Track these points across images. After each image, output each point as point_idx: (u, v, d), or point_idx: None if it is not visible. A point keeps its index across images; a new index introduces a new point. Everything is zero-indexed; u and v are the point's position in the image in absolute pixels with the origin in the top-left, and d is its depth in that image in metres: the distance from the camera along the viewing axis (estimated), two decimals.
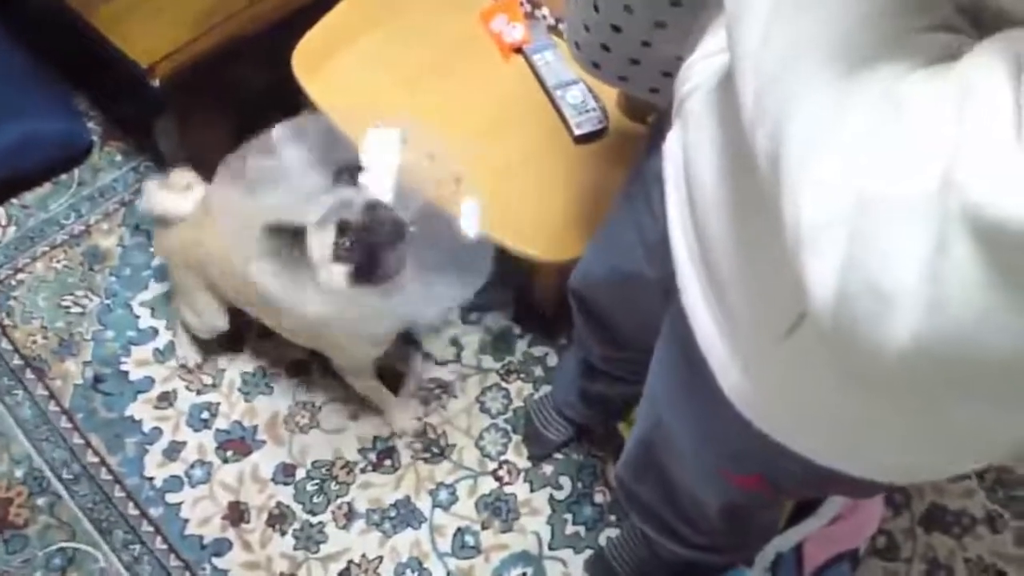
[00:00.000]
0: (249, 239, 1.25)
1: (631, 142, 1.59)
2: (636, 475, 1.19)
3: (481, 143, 1.56)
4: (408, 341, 1.77)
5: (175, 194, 1.56)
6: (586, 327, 1.36)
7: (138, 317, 1.78)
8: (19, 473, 1.61)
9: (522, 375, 1.77)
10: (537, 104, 1.62)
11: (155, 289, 1.80)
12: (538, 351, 1.80)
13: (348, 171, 1.27)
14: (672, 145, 0.83)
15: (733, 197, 0.72)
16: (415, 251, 1.28)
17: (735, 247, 0.73)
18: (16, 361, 1.72)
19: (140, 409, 1.68)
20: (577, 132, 1.57)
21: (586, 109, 1.59)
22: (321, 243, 1.22)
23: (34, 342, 1.74)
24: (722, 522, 1.08)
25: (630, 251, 1.06)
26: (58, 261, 1.84)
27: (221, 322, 1.65)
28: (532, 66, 1.65)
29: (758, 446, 0.80)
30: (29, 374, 1.71)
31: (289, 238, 1.23)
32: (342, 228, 1.21)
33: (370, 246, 1.21)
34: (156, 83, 1.52)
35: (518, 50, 1.67)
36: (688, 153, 0.78)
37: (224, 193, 1.31)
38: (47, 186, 1.93)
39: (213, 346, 1.74)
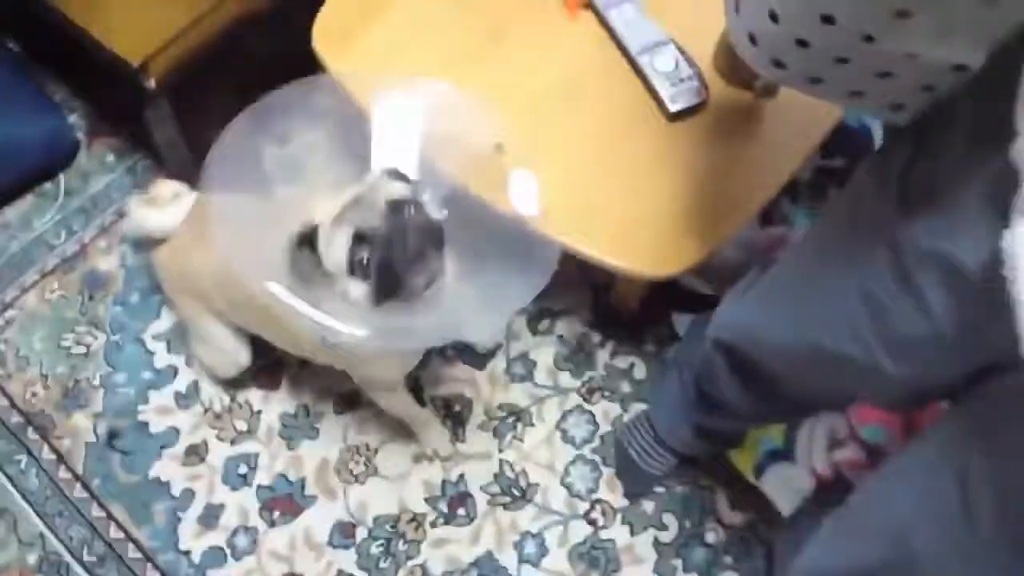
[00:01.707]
0: (257, 247, 1.03)
1: (739, 116, 1.29)
2: None
3: (547, 126, 1.27)
4: (468, 359, 1.51)
5: (162, 207, 1.34)
6: (734, 382, 1.10)
7: (152, 354, 1.51)
8: (32, 559, 1.36)
9: (607, 393, 1.50)
10: (616, 74, 1.31)
11: (169, 318, 1.53)
12: (623, 362, 1.53)
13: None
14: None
15: None
16: (455, 248, 1.04)
17: None
18: (15, 419, 1.46)
19: (166, 468, 1.43)
20: (672, 108, 1.26)
21: (680, 78, 1.28)
22: (335, 250, 0.99)
23: (34, 394, 1.48)
24: None
25: (854, 333, 0.81)
26: (52, 291, 1.56)
27: (243, 356, 1.39)
28: (607, 25, 1.33)
29: None
30: (32, 434, 1.45)
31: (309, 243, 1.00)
32: (358, 238, 0.97)
33: (391, 262, 0.98)
34: (152, 84, 1.22)
35: (587, 5, 1.35)
36: None
37: (221, 193, 1.06)
38: (29, 199, 1.64)
39: (244, 383, 1.48)
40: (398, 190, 1.03)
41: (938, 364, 0.77)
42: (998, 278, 0.58)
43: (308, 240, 1.01)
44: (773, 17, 0.68)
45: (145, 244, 1.44)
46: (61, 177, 1.66)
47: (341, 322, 0.99)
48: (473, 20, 1.34)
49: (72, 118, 1.71)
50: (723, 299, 1.15)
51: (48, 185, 1.65)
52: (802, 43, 0.69)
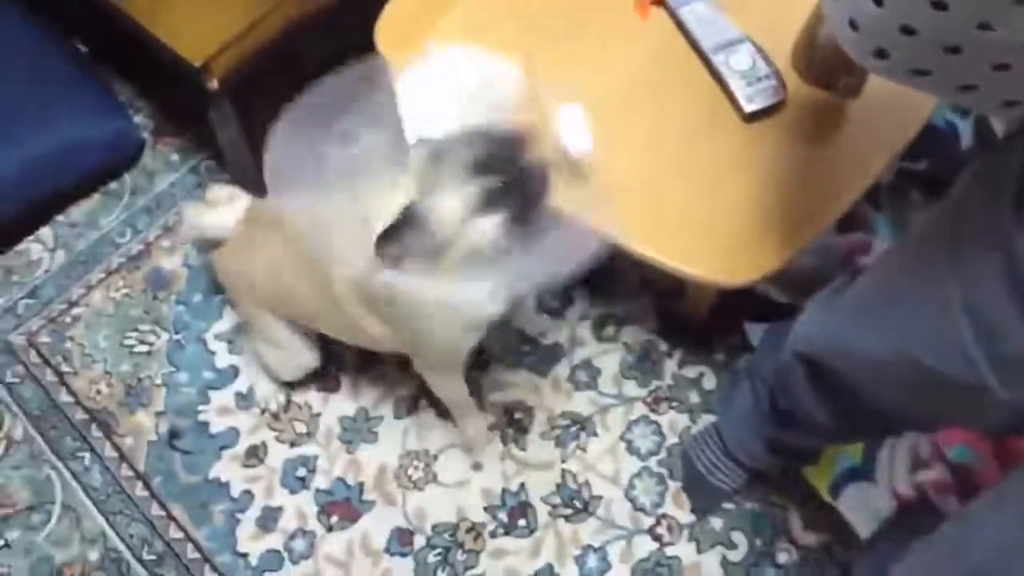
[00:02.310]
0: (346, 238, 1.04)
1: (819, 116, 1.23)
2: None
3: (619, 128, 1.22)
4: (533, 368, 1.47)
5: (218, 210, 1.34)
6: (815, 396, 1.04)
7: (214, 354, 1.51)
8: (94, 556, 1.37)
9: (675, 403, 1.45)
10: (690, 72, 1.26)
11: (231, 318, 1.52)
12: (691, 372, 1.47)
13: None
14: None
15: None
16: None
17: None
18: (80, 416, 1.46)
19: (226, 468, 1.42)
20: (748, 108, 1.21)
21: (757, 77, 1.22)
22: (452, 201, 0.97)
23: (98, 392, 1.48)
24: None
25: (957, 350, 0.75)
26: (117, 289, 1.57)
27: (310, 357, 1.38)
28: (679, 22, 1.28)
29: None
30: (95, 431, 1.45)
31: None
32: (480, 167, 0.96)
33: (521, 172, 0.98)
34: (214, 84, 1.20)
35: (659, 3, 1.30)
36: None
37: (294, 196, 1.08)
38: (95, 197, 1.65)
39: (304, 384, 1.46)
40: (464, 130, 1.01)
41: None
42: None
43: (410, 218, 0.97)
44: (878, 0, 0.63)
45: (206, 246, 1.44)
46: (127, 176, 1.67)
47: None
48: (542, 19, 1.30)
49: (138, 118, 1.71)
50: (806, 307, 1.08)
51: (114, 184, 1.66)
52: (908, 30, 0.62)
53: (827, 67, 1.22)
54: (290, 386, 1.46)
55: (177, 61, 1.20)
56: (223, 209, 1.32)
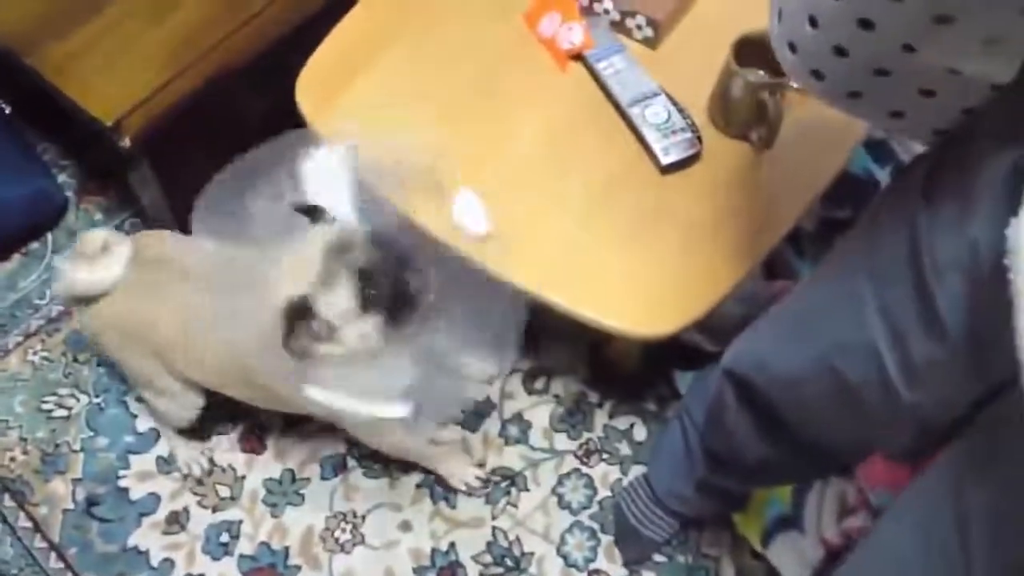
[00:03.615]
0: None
1: (735, 166, 1.25)
2: None
3: (537, 181, 1.23)
4: (463, 423, 1.45)
5: (94, 263, 1.24)
6: (749, 421, 1.04)
7: (135, 416, 1.46)
8: None
9: (605, 455, 1.44)
10: (608, 126, 1.27)
11: None
12: (622, 423, 1.47)
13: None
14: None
15: None
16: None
17: None
18: None
19: (146, 536, 1.37)
20: (664, 160, 1.22)
21: (673, 130, 1.24)
22: (340, 299, 1.01)
23: (12, 460, 1.43)
24: None
25: (869, 353, 0.77)
26: (35, 353, 1.52)
27: (197, 398, 1.33)
28: (597, 76, 1.30)
29: None
30: (8, 501, 1.40)
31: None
32: (363, 274, 1.02)
33: (397, 282, 1.04)
34: (126, 142, 1.19)
35: (577, 57, 1.32)
36: None
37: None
38: (15, 259, 1.61)
39: (228, 448, 1.42)
40: (362, 227, 1.06)
41: (950, 387, 0.73)
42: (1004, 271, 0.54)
43: (302, 310, 1.01)
44: (812, 22, 0.65)
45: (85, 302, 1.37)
46: (49, 236, 1.64)
47: (379, 403, 1.05)
48: (460, 74, 1.31)
49: (62, 177, 1.69)
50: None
51: (36, 244, 1.63)
52: (840, 51, 0.65)
53: (741, 119, 1.25)
54: (214, 451, 1.42)
55: (89, 120, 1.18)
56: (101, 260, 1.22)
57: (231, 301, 1.07)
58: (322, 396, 1.04)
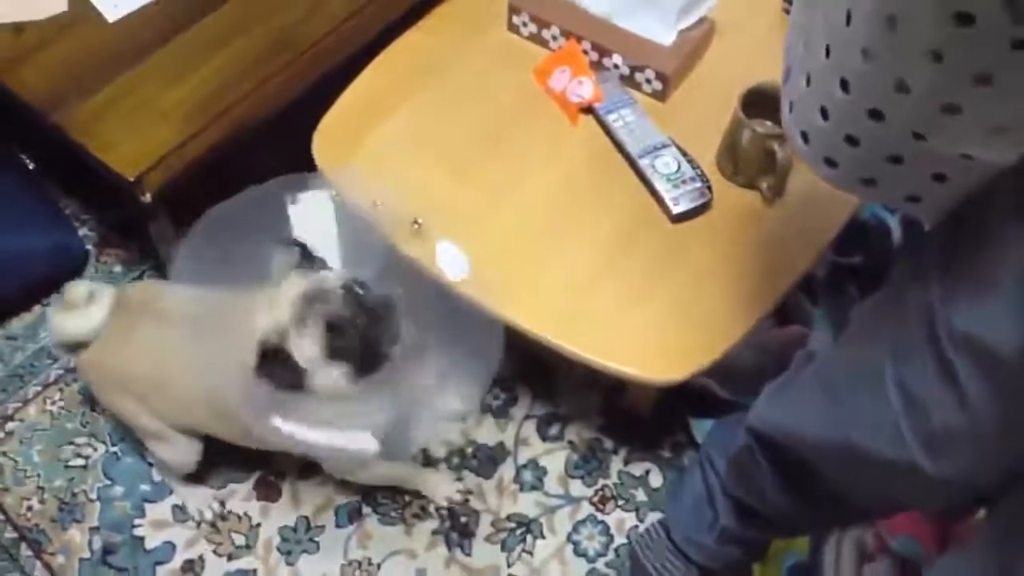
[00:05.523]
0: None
1: (745, 215, 1.27)
2: None
3: (548, 232, 1.25)
4: (477, 470, 1.46)
5: (80, 310, 1.30)
6: (775, 479, 1.04)
7: (151, 465, 1.47)
8: None
9: (621, 501, 1.44)
10: (619, 177, 1.30)
11: None
12: (637, 469, 1.47)
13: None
14: None
15: None
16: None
17: None
18: (8, 534, 1.41)
19: None
20: (675, 210, 1.24)
21: (683, 179, 1.26)
22: (308, 346, 1.07)
23: (29, 508, 1.44)
24: None
25: (888, 429, 0.77)
26: (53, 403, 1.54)
27: (194, 443, 1.35)
28: (607, 128, 1.33)
29: None
30: (25, 550, 1.40)
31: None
32: (331, 326, 1.07)
33: (365, 337, 1.08)
34: (147, 197, 1.22)
35: (587, 110, 1.35)
36: None
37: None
38: (36, 310, 1.64)
39: (244, 496, 1.43)
40: (339, 276, 1.10)
41: (979, 463, 0.73)
42: None
43: (275, 350, 1.06)
44: (824, 113, 0.67)
45: (76, 349, 1.36)
46: None
47: (347, 437, 1.10)
48: (473, 127, 1.34)
49: (83, 231, 1.72)
50: (761, 393, 1.10)
51: (56, 296, 1.65)
52: (852, 140, 0.67)
53: (750, 168, 1.27)
54: (228, 496, 1.43)
55: (112, 175, 1.21)
56: (84, 310, 1.28)
57: (205, 339, 1.12)
58: (289, 429, 1.07)
